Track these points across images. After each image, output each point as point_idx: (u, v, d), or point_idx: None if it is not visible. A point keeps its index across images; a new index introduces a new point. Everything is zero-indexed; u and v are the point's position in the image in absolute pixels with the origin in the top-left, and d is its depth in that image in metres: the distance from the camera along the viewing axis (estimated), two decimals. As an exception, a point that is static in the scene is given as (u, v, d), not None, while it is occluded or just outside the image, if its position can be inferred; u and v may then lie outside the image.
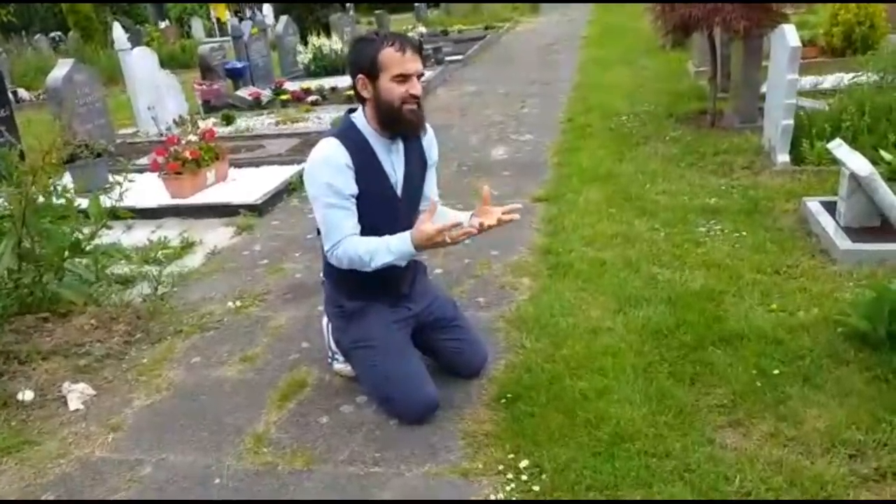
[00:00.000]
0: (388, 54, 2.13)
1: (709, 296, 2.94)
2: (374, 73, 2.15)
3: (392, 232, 2.20)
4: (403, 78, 2.14)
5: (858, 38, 7.26)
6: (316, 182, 2.22)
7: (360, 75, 2.19)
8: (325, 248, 2.28)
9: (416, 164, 2.39)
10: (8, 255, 3.04)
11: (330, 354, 2.65)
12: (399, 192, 2.33)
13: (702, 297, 2.94)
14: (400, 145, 2.32)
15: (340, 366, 2.62)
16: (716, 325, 2.70)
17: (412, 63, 2.15)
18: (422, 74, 2.23)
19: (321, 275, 2.55)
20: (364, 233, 2.25)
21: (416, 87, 2.16)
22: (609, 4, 17.77)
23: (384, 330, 2.38)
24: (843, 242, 3.19)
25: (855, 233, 3.27)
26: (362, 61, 2.17)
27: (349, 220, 2.23)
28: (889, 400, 2.16)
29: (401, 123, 2.21)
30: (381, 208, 2.28)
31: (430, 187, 2.51)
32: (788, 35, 4.38)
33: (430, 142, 2.44)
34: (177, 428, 2.43)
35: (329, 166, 2.19)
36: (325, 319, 2.64)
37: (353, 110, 2.33)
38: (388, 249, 2.16)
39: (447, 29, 16.57)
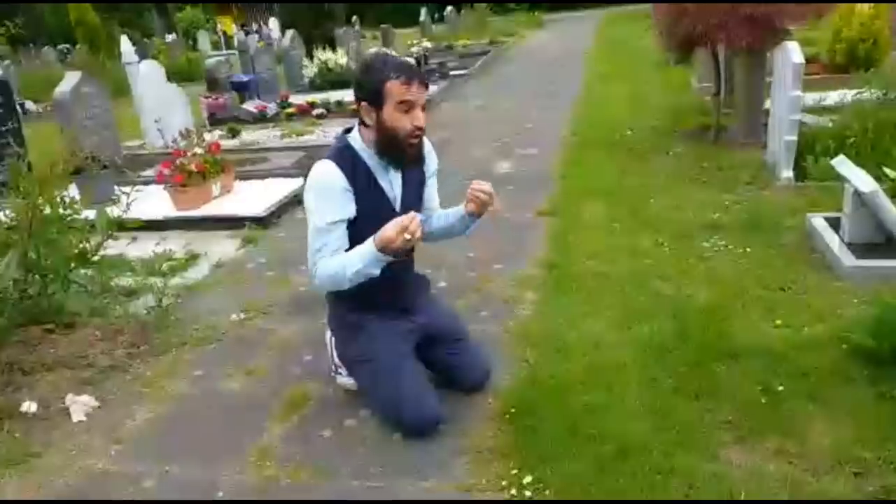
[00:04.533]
0: (394, 86, 2.13)
1: (713, 311, 2.94)
2: (379, 102, 2.16)
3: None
4: (408, 106, 2.15)
5: (862, 54, 7.30)
6: (311, 205, 2.24)
7: (363, 102, 2.20)
8: (310, 271, 2.29)
9: (414, 179, 2.42)
10: (14, 266, 3.05)
11: (333, 368, 2.65)
12: (398, 207, 2.34)
13: (706, 312, 2.93)
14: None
15: (344, 379, 2.62)
16: (720, 340, 2.69)
17: (418, 94, 2.16)
18: (425, 104, 2.24)
19: None
20: None
21: (420, 119, 2.18)
22: (613, 20, 17.87)
23: (387, 344, 2.37)
24: (848, 259, 3.19)
25: (859, 249, 3.27)
26: (367, 89, 2.18)
27: (339, 247, 2.23)
28: (894, 418, 2.15)
29: (402, 154, 2.23)
30: (380, 225, 2.24)
31: (431, 197, 2.54)
32: (792, 52, 4.40)
33: (427, 153, 2.44)
34: (180, 441, 2.43)
35: (326, 189, 2.21)
36: (328, 333, 2.65)
37: (349, 129, 2.35)
38: (358, 255, 2.17)
39: (452, 44, 16.67)
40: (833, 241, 3.39)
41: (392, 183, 2.33)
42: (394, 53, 2.29)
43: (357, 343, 2.42)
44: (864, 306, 2.86)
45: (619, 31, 16.24)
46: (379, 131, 2.20)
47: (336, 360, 2.62)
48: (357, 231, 2.25)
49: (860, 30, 7.32)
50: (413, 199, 2.42)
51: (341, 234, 2.24)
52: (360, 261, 2.15)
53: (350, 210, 2.23)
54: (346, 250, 2.24)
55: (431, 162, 2.49)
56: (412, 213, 2.09)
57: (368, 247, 2.13)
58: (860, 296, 2.98)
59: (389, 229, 2.06)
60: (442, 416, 2.32)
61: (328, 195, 2.21)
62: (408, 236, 2.04)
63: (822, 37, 8.11)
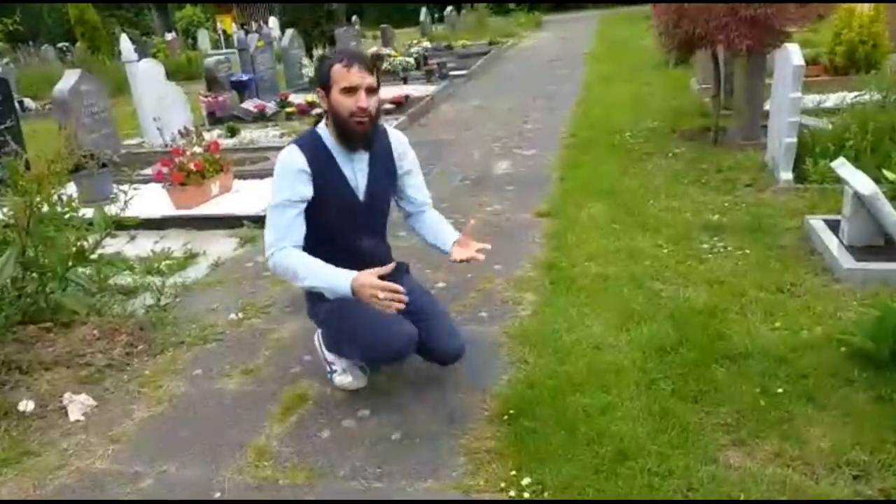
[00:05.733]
0: (337, 70, 2.28)
1: (712, 313, 2.93)
2: (328, 87, 2.31)
3: (352, 239, 2.41)
4: (350, 91, 2.26)
5: (861, 57, 7.30)
6: (273, 185, 2.36)
7: (319, 89, 2.37)
8: (266, 251, 2.36)
9: (382, 172, 2.48)
10: (11, 264, 3.04)
11: (328, 369, 2.65)
12: (361, 197, 2.43)
13: (705, 314, 2.93)
14: (363, 154, 2.42)
15: (340, 377, 2.61)
16: (719, 342, 2.69)
17: (357, 77, 2.26)
18: (374, 89, 2.31)
19: None
20: (323, 240, 2.36)
21: (362, 101, 2.26)
22: (612, 21, 17.87)
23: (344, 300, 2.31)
24: (847, 261, 3.18)
25: (859, 252, 3.27)
26: (320, 77, 2.35)
27: (296, 230, 2.32)
28: (894, 420, 2.15)
29: (350, 135, 2.33)
30: (341, 214, 2.41)
31: (418, 192, 2.61)
32: (792, 54, 4.40)
33: (401, 151, 2.53)
34: (177, 440, 2.43)
35: (285, 170, 2.33)
36: (316, 334, 2.65)
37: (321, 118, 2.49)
38: (327, 276, 2.24)
39: (452, 44, 16.65)
40: (832, 243, 3.39)
41: (356, 172, 2.42)
42: (352, 47, 2.40)
43: (328, 305, 2.38)
44: (863, 309, 2.86)
45: (618, 32, 16.24)
46: (331, 114, 2.33)
47: (328, 358, 2.62)
48: (319, 217, 2.35)
49: (860, 32, 7.32)
50: (380, 191, 2.49)
51: (297, 220, 2.32)
52: (327, 283, 2.24)
53: (304, 192, 2.32)
54: (307, 239, 2.34)
55: (403, 155, 2.54)
56: (404, 297, 2.14)
57: (343, 281, 2.19)
58: (859, 298, 2.97)
59: (376, 285, 2.13)
60: (414, 332, 2.30)
61: (284, 175, 2.33)
62: (385, 302, 2.13)
63: (823, 39, 8.12)
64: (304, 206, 2.33)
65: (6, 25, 7.30)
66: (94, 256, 3.36)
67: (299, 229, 2.33)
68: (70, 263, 3.27)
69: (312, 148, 2.37)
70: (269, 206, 2.36)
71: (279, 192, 2.32)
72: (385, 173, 2.50)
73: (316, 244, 2.36)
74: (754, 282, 3.21)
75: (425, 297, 2.60)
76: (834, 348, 2.57)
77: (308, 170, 2.32)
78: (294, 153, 2.34)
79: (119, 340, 3.10)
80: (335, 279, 2.22)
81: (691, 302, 3.06)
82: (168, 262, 4.04)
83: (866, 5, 7.58)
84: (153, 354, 3.04)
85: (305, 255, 2.31)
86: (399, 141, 2.54)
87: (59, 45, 20.06)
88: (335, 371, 2.62)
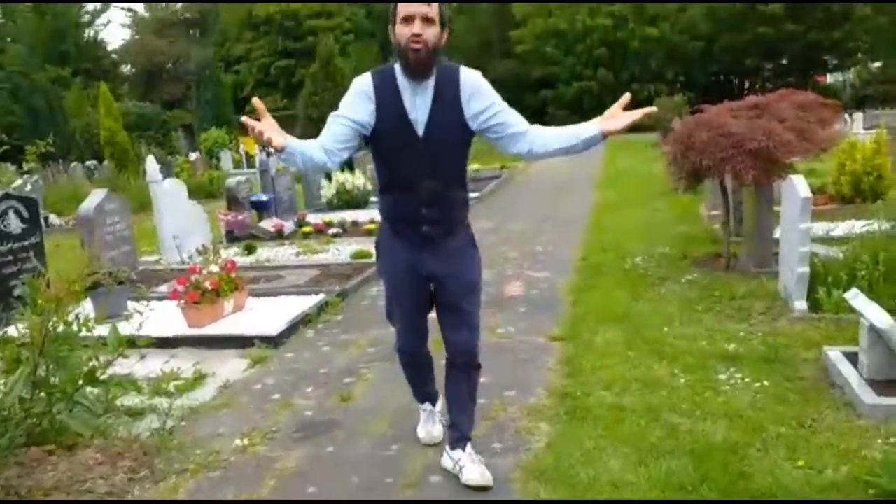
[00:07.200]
0: (399, 5, 2.42)
1: (732, 449, 2.84)
2: (393, 20, 2.46)
3: (413, 177, 2.52)
4: (407, 20, 2.40)
5: (867, 187, 7.46)
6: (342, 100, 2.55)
7: (389, 25, 2.49)
8: None
9: (446, 110, 2.50)
10: (21, 384, 3.02)
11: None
12: (420, 131, 2.49)
13: (725, 449, 2.84)
14: (429, 89, 2.49)
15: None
16: (741, 481, 2.59)
17: (415, 7, 2.39)
18: (431, 19, 2.40)
19: None
20: (391, 178, 2.60)
21: (416, 27, 2.38)
22: (618, 147, 18.46)
23: (394, 280, 2.77)
24: (868, 396, 3.10)
25: (880, 386, 3.20)
26: (389, 13, 2.48)
27: (330, 136, 2.47)
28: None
29: (408, 62, 2.43)
30: (401, 148, 2.52)
31: (508, 116, 2.53)
32: (798, 186, 4.51)
33: (471, 92, 2.51)
34: (174, 579, 2.31)
35: (353, 89, 2.54)
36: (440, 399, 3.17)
37: None
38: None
39: (465, 167, 17.19)
40: (852, 376, 3.32)
41: (417, 105, 2.49)
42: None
43: (380, 262, 2.86)
44: (888, 447, 2.76)
45: (625, 159, 16.77)
46: (396, 46, 2.46)
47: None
48: (382, 150, 2.57)
49: (863, 163, 7.52)
50: (442, 129, 2.50)
51: (339, 131, 2.48)
52: None
53: (360, 114, 2.48)
54: (381, 178, 2.65)
55: (476, 94, 2.50)
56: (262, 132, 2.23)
57: None
58: (884, 435, 2.88)
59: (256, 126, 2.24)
60: (415, 350, 2.90)
61: (350, 95, 2.53)
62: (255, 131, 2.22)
63: (827, 168, 8.33)
64: (354, 126, 2.48)
65: (39, 147, 7.68)
66: (104, 377, 3.34)
67: (337, 137, 2.47)
68: (80, 383, 3.25)
69: (382, 75, 2.52)
70: None
71: (341, 107, 2.52)
72: (450, 111, 2.50)
73: (387, 182, 2.62)
74: (774, 416, 3.12)
75: (465, 288, 2.73)
76: (861, 489, 2.48)
77: (371, 93, 2.49)
78: (365, 77, 2.54)
79: (122, 466, 3.02)
80: None
81: (710, 437, 2.96)
82: (176, 382, 3.99)
83: (868, 138, 7.84)
84: (155, 482, 2.95)
85: (309, 141, 2.45)
86: (471, 79, 2.53)
87: (88, 163, 20.93)
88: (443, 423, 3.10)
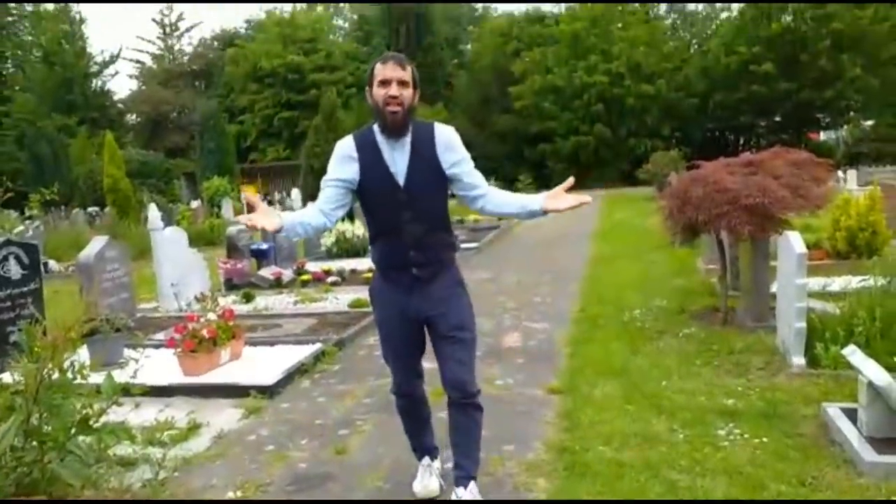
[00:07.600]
0: (376, 67, 2.65)
1: (733, 507, 2.80)
2: (370, 82, 2.66)
3: (398, 223, 2.69)
4: (384, 83, 2.61)
5: (862, 243, 7.52)
6: (328, 166, 2.76)
7: (367, 87, 2.70)
8: None
9: (423, 162, 2.70)
10: (13, 433, 2.98)
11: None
12: (401, 181, 2.68)
13: (725, 508, 2.80)
14: (406, 144, 2.69)
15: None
16: (742, 541, 2.54)
17: (391, 71, 2.61)
18: (405, 82, 2.62)
19: None
20: (378, 225, 2.78)
21: (393, 90, 2.59)
22: (613, 201, 18.63)
23: (387, 323, 2.92)
24: (869, 454, 3.08)
25: (880, 443, 3.17)
26: (367, 76, 2.70)
27: (326, 199, 2.71)
28: None
29: (385, 121, 2.64)
30: (385, 197, 2.70)
31: (472, 177, 2.77)
32: (794, 242, 4.55)
33: (445, 145, 2.73)
34: None
35: (337, 153, 2.75)
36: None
37: None
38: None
39: (463, 218, 17.34)
40: (851, 433, 3.29)
41: (396, 160, 2.69)
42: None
43: (374, 309, 3.01)
44: (891, 507, 2.72)
45: (620, 212, 16.90)
46: (373, 106, 2.67)
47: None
48: (368, 200, 2.76)
49: (858, 219, 7.60)
50: (421, 178, 2.70)
51: (332, 194, 2.71)
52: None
53: (347, 173, 2.70)
54: (370, 226, 2.82)
55: (449, 147, 2.73)
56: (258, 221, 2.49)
57: None
58: (885, 494, 2.85)
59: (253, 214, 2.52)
60: (410, 394, 3.01)
61: (335, 158, 2.74)
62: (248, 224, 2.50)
63: (822, 223, 8.41)
64: (344, 185, 2.71)
65: (43, 195, 7.77)
66: (97, 425, 3.30)
67: (330, 200, 2.71)
68: (73, 432, 3.21)
69: (363, 136, 2.73)
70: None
71: (329, 171, 2.73)
72: (427, 163, 2.70)
73: (376, 231, 2.80)
74: (774, 473, 3.09)
75: (455, 321, 2.84)
76: (866, 552, 2.43)
77: (354, 153, 2.70)
78: (347, 140, 2.76)
79: (111, 518, 2.96)
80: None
81: (710, 494, 2.93)
82: (170, 432, 3.95)
83: (861, 195, 7.93)
84: (145, 534, 2.89)
85: (306, 210, 2.74)
86: (444, 134, 2.75)
87: (90, 209, 21.07)
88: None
